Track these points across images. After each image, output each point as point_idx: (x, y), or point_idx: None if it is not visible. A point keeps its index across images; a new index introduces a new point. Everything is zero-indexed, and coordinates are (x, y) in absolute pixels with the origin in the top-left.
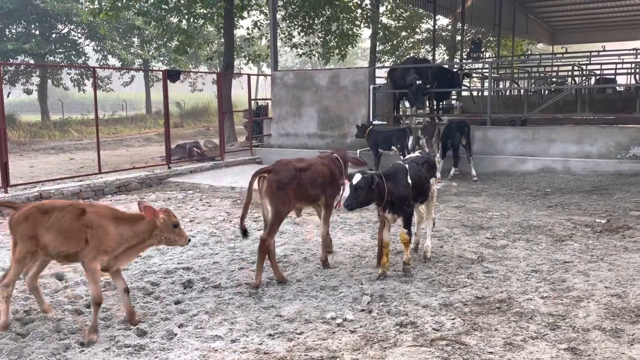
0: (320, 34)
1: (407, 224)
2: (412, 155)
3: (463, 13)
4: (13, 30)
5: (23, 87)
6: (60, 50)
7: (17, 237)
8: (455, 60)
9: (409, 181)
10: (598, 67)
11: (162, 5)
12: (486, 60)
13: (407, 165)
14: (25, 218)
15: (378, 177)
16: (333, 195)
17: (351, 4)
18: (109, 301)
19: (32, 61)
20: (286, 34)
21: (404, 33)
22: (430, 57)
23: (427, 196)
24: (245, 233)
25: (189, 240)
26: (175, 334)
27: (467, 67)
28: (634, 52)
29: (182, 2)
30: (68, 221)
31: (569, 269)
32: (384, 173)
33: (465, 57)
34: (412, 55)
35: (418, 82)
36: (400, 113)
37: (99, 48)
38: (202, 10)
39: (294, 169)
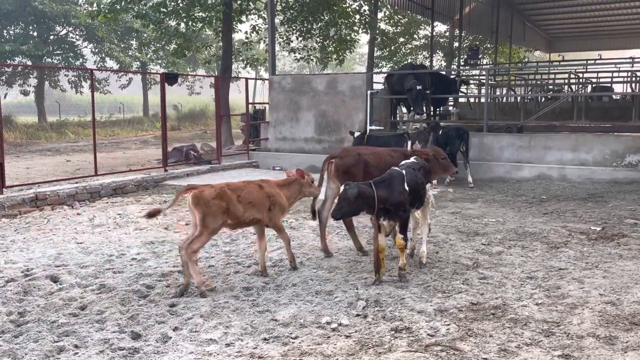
0: (318, 39)
1: (404, 230)
2: (408, 161)
3: (461, 20)
4: (11, 32)
5: (20, 88)
6: (58, 52)
7: (207, 211)
8: (452, 66)
9: (406, 187)
10: (594, 75)
11: (161, 8)
12: (483, 67)
13: (403, 171)
14: (218, 195)
15: (366, 187)
16: None
17: (349, 9)
18: (103, 304)
19: (29, 62)
20: (284, 38)
21: (401, 39)
22: (427, 64)
23: (423, 202)
24: (315, 215)
25: (320, 191)
26: (170, 337)
27: (464, 73)
28: (631, 60)
29: (180, 5)
30: (256, 194)
31: (564, 276)
32: (375, 181)
33: (462, 63)
34: (409, 61)
35: (418, 87)
36: (397, 118)
37: (96, 50)
38: (200, 14)
39: (357, 154)
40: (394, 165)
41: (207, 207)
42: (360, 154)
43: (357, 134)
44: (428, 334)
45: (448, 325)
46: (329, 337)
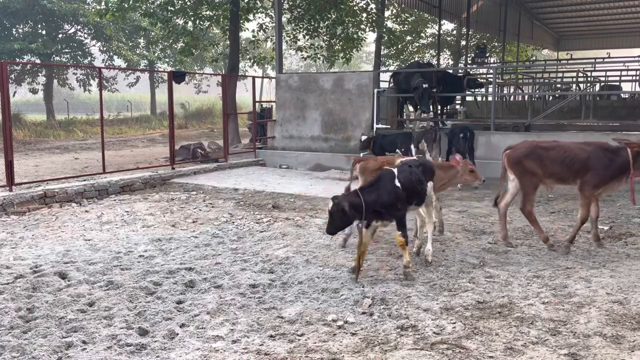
0: (325, 38)
1: (400, 227)
2: (407, 158)
3: (468, 18)
4: (20, 30)
5: (29, 86)
6: (67, 50)
7: (369, 179)
8: (459, 65)
9: (397, 184)
10: (603, 73)
11: (168, 7)
12: (491, 65)
13: (395, 169)
14: (380, 168)
15: (354, 196)
16: (590, 183)
17: (356, 7)
18: (111, 300)
19: (38, 61)
20: (291, 37)
21: (408, 37)
22: (434, 62)
23: (422, 199)
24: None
25: (484, 181)
26: (177, 334)
27: (472, 71)
28: (639, 59)
29: (188, 3)
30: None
31: (571, 274)
32: (361, 188)
33: (470, 62)
34: (416, 59)
35: (425, 85)
36: (404, 117)
37: (104, 49)
38: (208, 12)
39: (533, 147)
40: (583, 160)
41: (372, 175)
42: (538, 146)
43: (363, 137)
44: (434, 332)
45: (454, 323)
46: (335, 334)
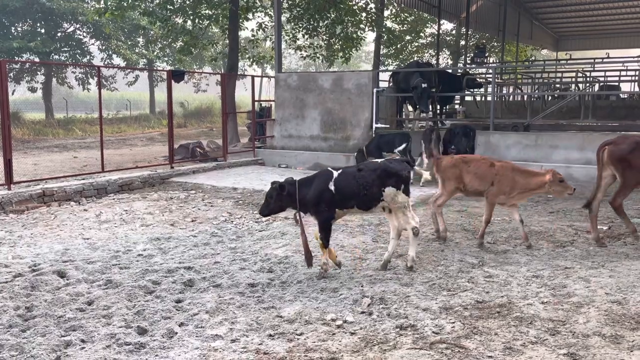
0: (324, 37)
1: (319, 227)
2: (368, 161)
3: (467, 18)
4: (19, 28)
5: (28, 85)
6: (66, 48)
7: (445, 177)
8: (459, 64)
9: (331, 187)
10: (602, 73)
11: (168, 6)
12: (490, 65)
13: (335, 171)
14: (453, 165)
15: (291, 185)
16: None
17: (356, 7)
18: (110, 299)
19: (37, 59)
20: (290, 36)
21: (408, 37)
22: (434, 62)
23: (369, 204)
24: (588, 205)
25: (574, 190)
26: (176, 333)
27: (471, 71)
28: (638, 59)
29: (187, 2)
30: (484, 169)
31: (570, 274)
32: (300, 180)
33: (469, 62)
34: (415, 59)
35: (424, 85)
36: (403, 116)
37: (104, 47)
38: (207, 11)
39: (636, 142)
40: None
41: (445, 172)
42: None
43: (355, 154)
44: (433, 332)
45: (453, 323)
46: (334, 333)
